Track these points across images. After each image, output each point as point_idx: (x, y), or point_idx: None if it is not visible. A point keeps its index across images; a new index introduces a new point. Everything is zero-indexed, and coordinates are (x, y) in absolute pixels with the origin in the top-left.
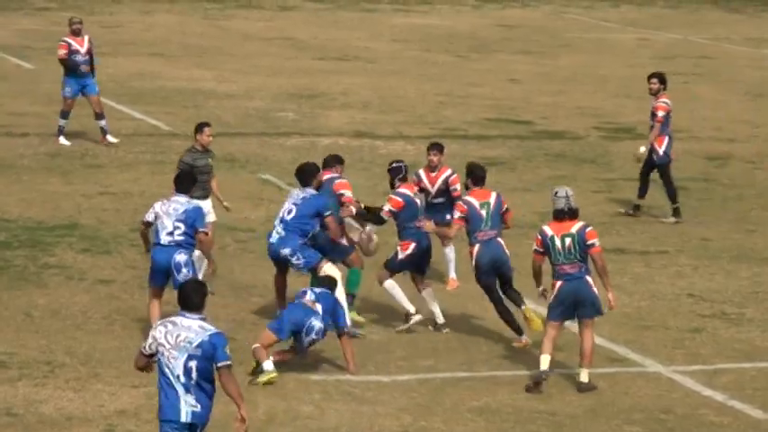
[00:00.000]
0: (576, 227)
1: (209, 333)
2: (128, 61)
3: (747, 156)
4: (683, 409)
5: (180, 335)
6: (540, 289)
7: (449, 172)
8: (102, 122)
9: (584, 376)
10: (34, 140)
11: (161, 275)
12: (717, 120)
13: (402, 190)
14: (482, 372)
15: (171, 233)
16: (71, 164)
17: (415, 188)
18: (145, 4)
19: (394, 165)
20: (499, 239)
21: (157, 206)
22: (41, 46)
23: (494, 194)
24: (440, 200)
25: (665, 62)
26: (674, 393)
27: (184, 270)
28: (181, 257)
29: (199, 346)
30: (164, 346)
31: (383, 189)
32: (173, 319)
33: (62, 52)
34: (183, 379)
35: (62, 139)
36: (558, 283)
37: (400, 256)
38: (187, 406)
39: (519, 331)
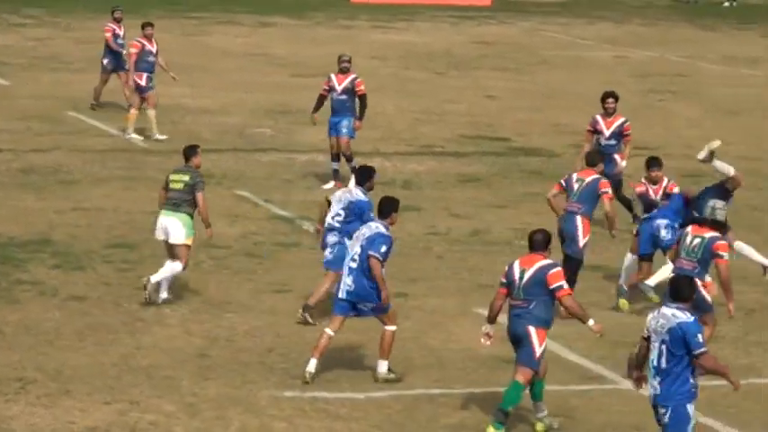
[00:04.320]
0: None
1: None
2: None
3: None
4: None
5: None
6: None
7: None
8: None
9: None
10: (8, 156)
11: None
12: (691, 138)
13: None
14: (457, 389)
15: None
16: (45, 180)
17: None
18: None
19: None
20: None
21: None
22: (17, 62)
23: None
24: None
25: (641, 80)
26: (647, 410)
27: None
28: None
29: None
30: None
31: None
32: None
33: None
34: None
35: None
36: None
37: None
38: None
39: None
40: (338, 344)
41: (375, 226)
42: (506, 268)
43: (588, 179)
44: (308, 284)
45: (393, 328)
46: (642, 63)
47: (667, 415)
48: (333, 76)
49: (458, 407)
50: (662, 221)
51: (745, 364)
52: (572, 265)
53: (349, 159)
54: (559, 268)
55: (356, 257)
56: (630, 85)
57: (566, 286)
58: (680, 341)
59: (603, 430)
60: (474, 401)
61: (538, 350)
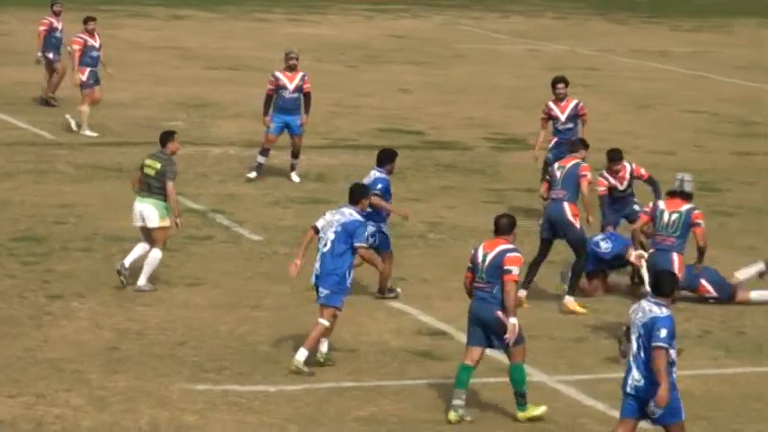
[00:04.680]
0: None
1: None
2: (13, 70)
3: None
4: (564, 419)
5: None
6: None
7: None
8: None
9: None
10: None
11: None
12: (601, 131)
13: None
14: (368, 382)
15: None
16: None
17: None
18: (32, 13)
19: None
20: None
21: None
22: None
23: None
24: None
25: (553, 73)
26: (557, 402)
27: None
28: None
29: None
30: None
31: (272, 199)
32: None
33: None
34: None
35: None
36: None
37: None
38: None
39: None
40: (252, 337)
41: (349, 212)
42: (472, 252)
43: (569, 165)
44: (220, 277)
45: (326, 323)
46: (554, 57)
47: (657, 406)
48: (279, 74)
49: (369, 400)
50: (598, 236)
51: None
52: (578, 250)
53: (297, 156)
54: (519, 254)
55: (328, 243)
56: (542, 79)
57: (515, 272)
58: (649, 335)
59: (514, 422)
60: (385, 395)
61: (517, 327)
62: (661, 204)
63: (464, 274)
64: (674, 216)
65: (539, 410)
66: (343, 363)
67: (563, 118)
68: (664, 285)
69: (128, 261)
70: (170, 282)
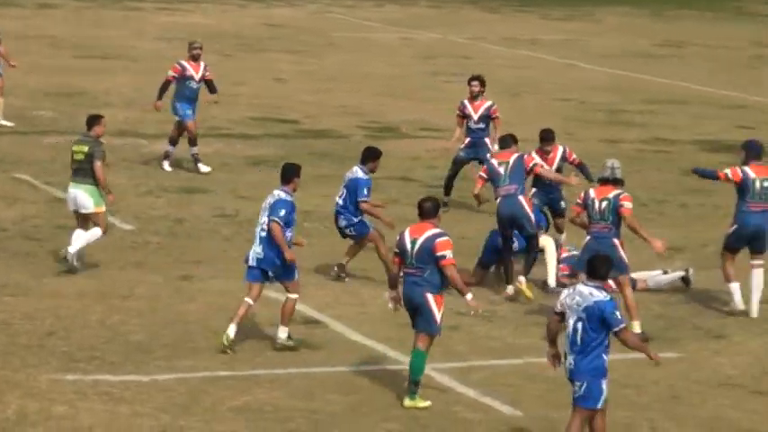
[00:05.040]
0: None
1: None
2: None
3: None
4: (438, 406)
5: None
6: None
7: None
8: None
9: None
10: None
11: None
12: None
13: None
14: (242, 371)
15: None
16: None
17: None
18: None
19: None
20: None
21: None
22: None
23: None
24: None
25: (426, 61)
26: (430, 390)
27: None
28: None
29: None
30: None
31: (146, 188)
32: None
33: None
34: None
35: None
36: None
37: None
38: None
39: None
40: (124, 327)
41: (276, 193)
42: (398, 237)
43: (512, 159)
44: (91, 267)
45: (295, 296)
46: (427, 45)
47: (582, 389)
48: (186, 64)
49: (243, 389)
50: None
51: (524, 344)
52: (533, 243)
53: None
54: (447, 237)
55: (264, 226)
56: (415, 67)
57: (449, 256)
58: (597, 319)
59: (389, 410)
60: (260, 383)
61: (437, 315)
62: (591, 193)
63: (392, 259)
64: (604, 203)
65: (424, 404)
66: (216, 352)
67: (475, 117)
68: (600, 269)
69: (72, 249)
70: (38, 271)
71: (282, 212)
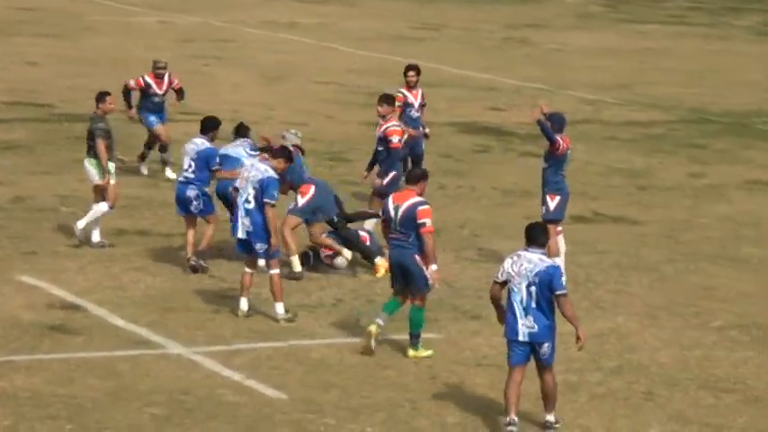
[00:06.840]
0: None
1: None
2: None
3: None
4: (202, 390)
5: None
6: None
7: None
8: None
9: None
10: None
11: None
12: (234, 103)
13: None
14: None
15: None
16: None
17: None
18: None
19: None
20: None
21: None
22: None
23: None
24: None
25: (185, 45)
26: (195, 374)
27: (195, 203)
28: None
29: (536, 274)
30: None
31: None
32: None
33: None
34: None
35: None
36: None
37: None
38: (524, 327)
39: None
40: None
41: (264, 168)
42: (384, 204)
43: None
44: None
45: (277, 270)
46: (187, 29)
47: (548, 348)
48: (150, 80)
49: (0, 375)
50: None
51: (289, 328)
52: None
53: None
54: (429, 206)
55: (251, 199)
56: (175, 51)
57: (429, 223)
58: (547, 284)
59: (152, 395)
60: (17, 369)
61: (426, 273)
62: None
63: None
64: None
65: (427, 353)
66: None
67: (416, 105)
68: (541, 236)
69: (81, 223)
70: None
71: (276, 193)
